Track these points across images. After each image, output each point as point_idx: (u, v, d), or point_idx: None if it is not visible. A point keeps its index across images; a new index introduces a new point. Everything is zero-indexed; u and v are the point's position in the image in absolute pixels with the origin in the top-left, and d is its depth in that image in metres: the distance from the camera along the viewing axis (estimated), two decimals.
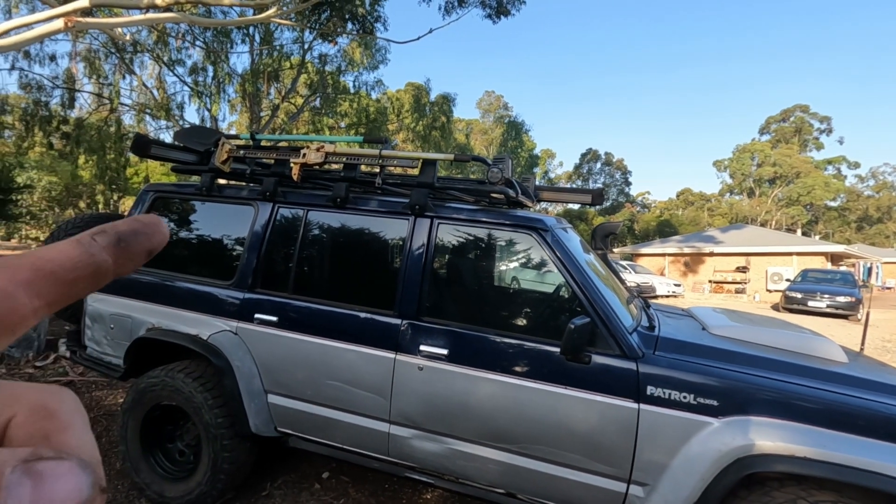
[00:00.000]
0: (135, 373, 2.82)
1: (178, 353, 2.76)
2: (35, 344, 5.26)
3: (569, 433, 2.03)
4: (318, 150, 2.54)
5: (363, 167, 2.62)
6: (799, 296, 13.95)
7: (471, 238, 2.38)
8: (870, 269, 22.42)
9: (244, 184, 2.87)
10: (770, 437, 1.77)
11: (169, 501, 2.60)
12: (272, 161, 2.75)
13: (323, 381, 2.42)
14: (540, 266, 2.25)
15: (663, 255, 24.92)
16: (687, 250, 23.99)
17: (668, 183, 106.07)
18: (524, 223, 2.25)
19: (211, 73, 19.63)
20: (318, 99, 21.27)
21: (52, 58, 17.45)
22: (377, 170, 2.49)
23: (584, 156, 54.23)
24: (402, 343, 2.30)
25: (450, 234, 2.38)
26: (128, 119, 19.98)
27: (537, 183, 3.51)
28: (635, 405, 1.95)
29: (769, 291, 20.18)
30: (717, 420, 1.86)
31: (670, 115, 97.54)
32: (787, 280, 16.90)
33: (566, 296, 2.19)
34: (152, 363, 2.76)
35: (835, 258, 22.02)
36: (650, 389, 1.94)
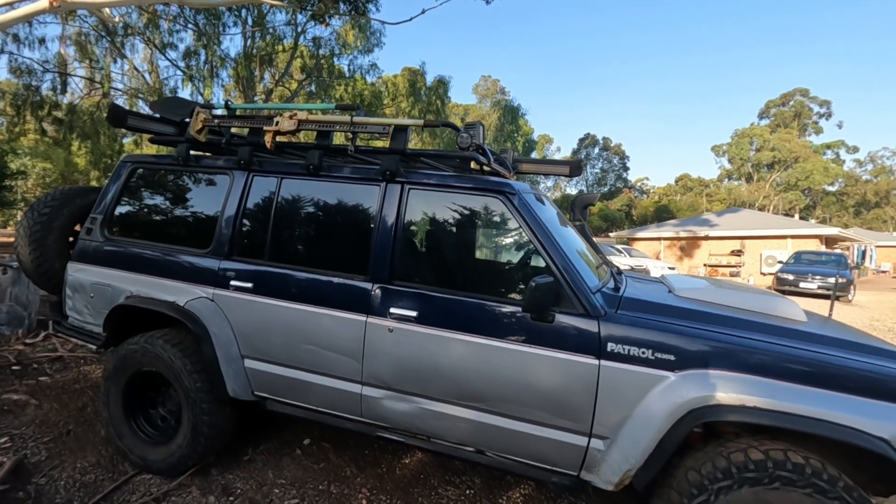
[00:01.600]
0: (117, 342, 2.87)
1: (159, 322, 2.80)
2: (26, 322, 5.31)
3: (534, 390, 2.08)
4: (290, 117, 2.56)
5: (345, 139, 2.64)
6: (791, 277, 14.04)
7: (441, 203, 2.41)
8: (864, 252, 22.52)
9: (220, 154, 2.89)
10: (723, 389, 1.83)
11: (151, 465, 2.67)
12: (247, 130, 2.77)
13: (297, 345, 2.47)
14: (508, 229, 2.28)
15: (659, 238, 24.97)
16: (683, 234, 24.04)
17: (667, 168, 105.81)
18: (492, 187, 2.28)
19: (203, 58, 19.47)
20: (313, 83, 21.10)
21: (42, 41, 17.24)
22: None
23: (581, 141, 54.01)
24: (373, 306, 2.34)
25: (420, 200, 2.41)
26: (121, 103, 19.79)
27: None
28: (596, 361, 2.00)
29: (763, 274, 20.28)
30: (673, 374, 1.91)
31: (669, 100, 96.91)
32: (780, 262, 16.98)
33: (533, 257, 2.23)
34: (135, 332, 2.80)
35: (829, 241, 22.08)
36: (611, 346, 1.99)
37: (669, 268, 18.62)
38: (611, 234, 28.72)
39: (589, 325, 2.04)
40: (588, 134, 54.04)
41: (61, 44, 18.17)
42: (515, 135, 37.88)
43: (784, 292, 14.12)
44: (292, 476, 2.81)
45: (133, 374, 2.71)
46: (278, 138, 2.66)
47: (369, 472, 2.93)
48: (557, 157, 55.74)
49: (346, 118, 2.47)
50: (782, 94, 53.99)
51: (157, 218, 2.94)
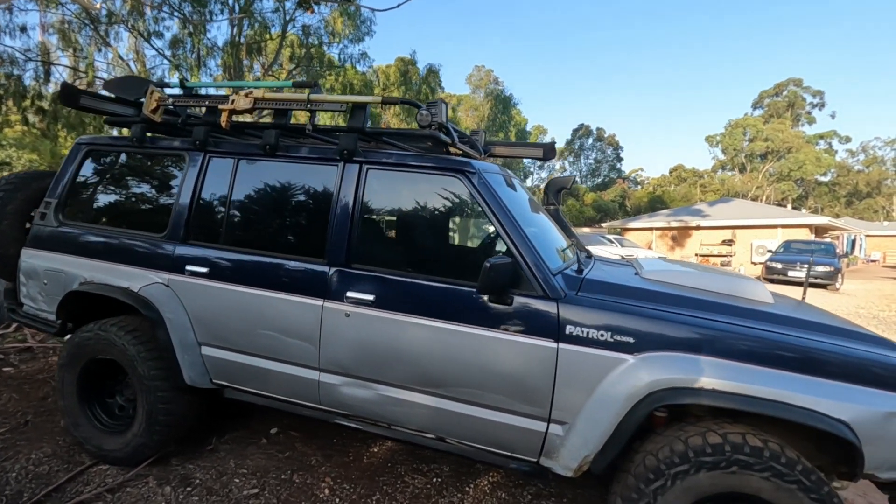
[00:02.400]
0: (74, 330, 2.78)
1: (117, 309, 2.71)
2: None
3: (492, 375, 2.02)
4: (246, 95, 2.46)
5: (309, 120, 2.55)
6: (779, 266, 14.06)
7: (400, 183, 2.33)
8: (853, 242, 22.61)
9: (178, 135, 2.79)
10: (680, 371, 1.77)
11: (107, 455, 2.60)
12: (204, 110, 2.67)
13: (254, 331, 2.40)
14: (468, 209, 2.21)
15: (651, 229, 24.98)
16: (674, 224, 24.05)
17: (662, 160, 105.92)
18: (452, 166, 2.20)
19: (189, 46, 19.12)
20: (304, 73, 20.81)
21: (23, 29, 16.81)
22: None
23: (575, 131, 53.82)
24: (330, 290, 2.27)
25: (379, 180, 2.32)
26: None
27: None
28: (555, 345, 1.94)
29: (754, 264, 20.33)
30: (632, 357, 1.85)
31: (664, 91, 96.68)
32: (770, 252, 17.03)
33: (493, 239, 2.15)
34: (94, 319, 2.71)
35: (819, 230, 22.15)
36: (569, 329, 1.93)
37: (660, 257, 18.63)
38: (603, 225, 28.70)
39: (548, 308, 1.97)
40: (582, 124, 53.88)
41: (44, 32, 17.79)
42: (508, 125, 37.66)
43: (773, 281, 14.16)
44: (255, 465, 2.75)
45: (88, 361, 2.62)
46: (236, 118, 2.56)
47: (336, 460, 2.87)
48: None
49: (303, 96, 2.37)
50: (776, 84, 53.95)
51: (113, 202, 2.84)
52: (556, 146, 3.39)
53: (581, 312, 1.94)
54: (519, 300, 2.01)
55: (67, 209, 2.85)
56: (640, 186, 55.23)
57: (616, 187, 49.41)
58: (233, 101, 2.47)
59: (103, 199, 2.85)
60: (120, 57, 18.96)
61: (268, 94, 2.45)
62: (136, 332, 2.54)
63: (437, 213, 2.32)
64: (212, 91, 2.88)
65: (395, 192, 2.35)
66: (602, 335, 1.89)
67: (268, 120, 2.59)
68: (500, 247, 2.16)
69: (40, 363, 4.10)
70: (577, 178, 53.87)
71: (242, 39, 19.42)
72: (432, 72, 23.11)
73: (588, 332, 1.91)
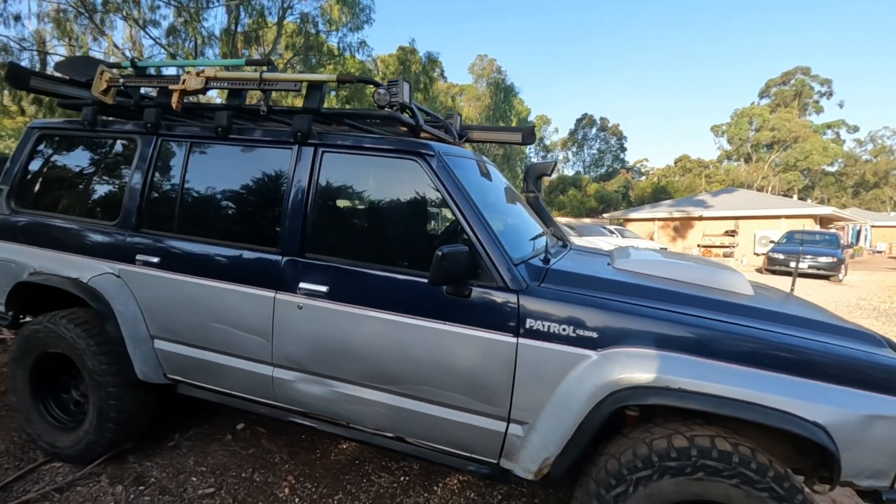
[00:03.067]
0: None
1: (73, 300, 2.60)
2: None
3: (450, 371, 1.89)
4: (198, 74, 2.32)
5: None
6: (781, 257, 13.83)
7: (356, 167, 2.19)
8: (858, 232, 22.28)
9: (131, 117, 2.65)
10: (647, 369, 1.63)
11: (60, 452, 2.50)
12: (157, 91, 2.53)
13: (207, 324, 2.28)
14: (428, 195, 2.06)
15: (653, 219, 24.71)
16: (677, 214, 23.77)
17: (667, 150, 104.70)
18: (409, 149, 2.06)
19: (185, 35, 18.88)
20: (302, 62, 20.55)
21: (17, 18, 16.70)
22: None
23: (579, 121, 53.30)
24: (282, 281, 2.14)
25: (335, 164, 2.18)
26: None
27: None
28: (514, 339, 1.80)
29: (757, 255, 20.08)
30: (595, 353, 1.72)
31: (669, 80, 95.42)
32: (773, 242, 16.78)
33: (456, 227, 2.01)
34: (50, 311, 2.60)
35: (823, 221, 21.84)
36: (529, 322, 1.79)
37: (661, 248, 18.44)
38: (605, 215, 28.43)
39: (507, 300, 1.83)
40: (586, 114, 53.33)
41: (39, 21, 17.62)
42: (509, 115, 37.27)
43: (775, 272, 13.96)
44: (215, 463, 2.64)
45: (39, 355, 2.52)
46: (189, 98, 2.42)
47: (301, 458, 2.76)
48: (555, 138, 55.10)
49: (255, 75, 2.23)
50: (783, 73, 53.09)
51: (66, 189, 2.71)
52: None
53: (542, 305, 1.80)
54: (478, 292, 1.87)
55: (19, 196, 2.73)
56: (644, 177, 54.73)
57: (619, 178, 48.98)
58: (184, 80, 2.33)
59: (56, 186, 2.72)
60: (116, 46, 18.78)
61: (220, 73, 2.31)
62: (86, 324, 2.42)
63: (395, 198, 2.18)
64: (172, 71, 2.73)
65: (351, 176, 2.21)
66: (564, 329, 1.76)
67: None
68: (452, 222, 2.02)
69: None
70: (581, 169, 53.44)
71: (240, 28, 19.20)
72: (432, 60, 22.81)
73: (549, 327, 1.77)
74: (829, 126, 52.81)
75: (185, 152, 2.41)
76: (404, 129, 2.38)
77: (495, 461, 1.93)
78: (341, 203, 2.25)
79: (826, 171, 52.74)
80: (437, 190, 2.00)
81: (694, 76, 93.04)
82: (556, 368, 1.76)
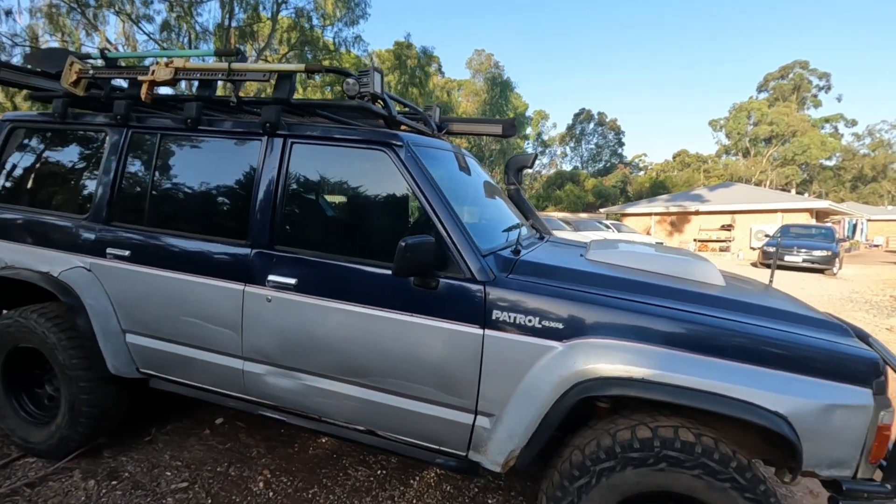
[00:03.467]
0: None
1: (46, 295, 2.57)
2: None
3: (417, 364, 1.88)
4: (167, 65, 2.29)
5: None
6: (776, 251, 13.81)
7: (326, 158, 2.16)
8: (854, 226, 22.27)
9: (102, 109, 2.62)
10: (610, 360, 1.62)
11: (34, 447, 2.49)
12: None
13: (178, 318, 2.26)
14: (395, 186, 2.04)
15: (650, 214, 24.71)
16: (673, 209, 23.77)
17: (666, 145, 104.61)
18: (377, 139, 2.03)
19: (178, 31, 18.77)
20: (297, 57, 20.44)
21: (9, 13, 16.63)
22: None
23: (577, 116, 53.10)
24: (251, 274, 2.12)
25: (304, 155, 2.16)
26: None
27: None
28: (480, 331, 1.79)
29: (753, 249, 20.09)
30: (561, 344, 1.70)
31: (668, 75, 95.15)
32: (768, 236, 16.76)
33: (422, 217, 1.99)
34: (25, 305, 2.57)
35: (820, 215, 21.84)
36: (496, 314, 1.78)
37: (658, 242, 18.43)
38: (602, 210, 28.40)
39: (474, 291, 1.81)
40: (583, 109, 53.12)
41: (31, 17, 17.51)
42: (506, 109, 37.14)
43: (769, 266, 13.95)
44: (191, 457, 2.63)
45: (12, 350, 2.50)
46: (158, 90, 2.39)
47: (279, 452, 2.75)
48: (553, 133, 54.93)
49: (224, 65, 2.20)
50: (781, 67, 52.91)
51: (38, 182, 2.68)
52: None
53: (509, 296, 1.78)
54: (445, 283, 1.85)
55: None
56: (643, 172, 54.63)
57: (617, 173, 48.90)
58: (153, 71, 2.30)
59: (27, 180, 2.69)
60: (108, 41, 18.68)
61: (189, 63, 2.28)
62: (57, 319, 2.40)
63: (364, 189, 2.16)
64: (148, 62, 2.68)
65: (321, 167, 2.18)
66: (530, 320, 1.74)
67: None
68: (420, 214, 2.00)
69: None
70: (579, 164, 53.32)
71: (234, 23, 19.09)
72: (427, 55, 22.71)
73: (515, 318, 1.76)
74: (827, 120, 52.72)
75: (155, 144, 2.39)
76: (381, 121, 2.36)
77: (464, 454, 1.91)
78: (311, 195, 2.23)
79: (824, 166, 52.69)
80: (406, 180, 1.97)
81: (692, 71, 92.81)
82: (521, 360, 1.74)
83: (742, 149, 52.26)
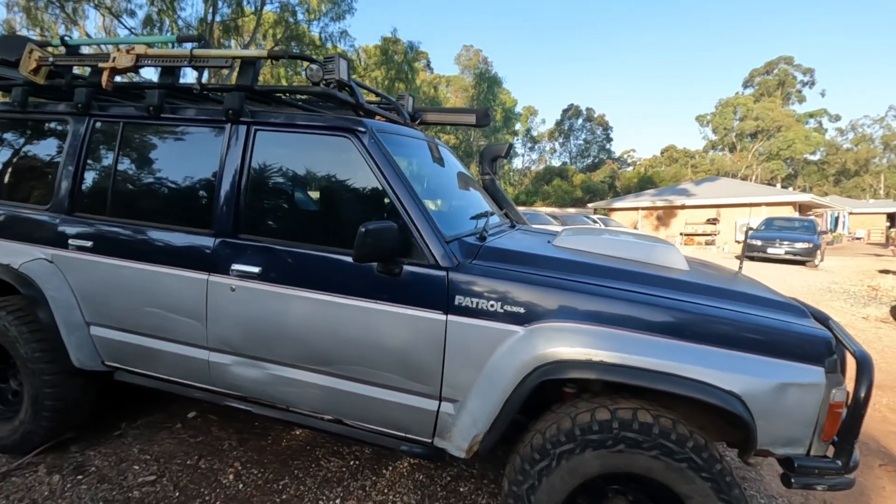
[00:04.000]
0: None
1: (9, 288, 2.52)
2: None
3: (381, 351, 1.87)
4: (128, 52, 2.24)
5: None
6: (759, 243, 14.00)
7: (290, 146, 2.14)
8: (836, 219, 22.62)
9: (64, 98, 2.56)
10: (570, 343, 1.62)
11: None
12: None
13: (142, 309, 2.22)
14: (359, 173, 2.02)
15: (637, 208, 24.89)
16: (660, 203, 23.97)
17: (654, 141, 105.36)
18: (341, 125, 2.01)
19: (160, 25, 18.48)
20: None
21: None
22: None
23: (565, 112, 53.30)
24: (215, 263, 2.09)
25: (268, 143, 2.13)
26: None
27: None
28: (444, 317, 1.78)
29: (738, 242, 20.33)
30: (522, 328, 1.70)
31: (655, 71, 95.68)
32: (751, 229, 16.97)
33: (386, 204, 1.98)
34: None
35: (803, 208, 22.16)
36: (458, 299, 1.77)
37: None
38: (590, 205, 28.56)
39: (437, 277, 1.81)
40: (572, 105, 53.32)
41: (9, 11, 17.16)
42: (493, 105, 37.11)
43: (753, 258, 14.13)
44: (161, 451, 2.60)
45: None
46: (119, 77, 2.35)
47: (252, 444, 2.73)
48: (542, 129, 55.06)
49: (186, 52, 2.16)
50: (766, 63, 53.51)
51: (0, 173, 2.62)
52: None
53: (472, 281, 1.78)
54: (408, 270, 1.84)
55: None
56: (631, 167, 54.96)
57: (606, 168, 49.17)
58: (114, 58, 2.26)
59: None
60: (88, 35, 18.32)
61: (150, 50, 2.24)
62: (19, 312, 2.35)
63: (328, 176, 2.14)
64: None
65: (285, 155, 2.16)
66: (492, 305, 1.74)
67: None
68: (384, 201, 1.98)
69: None
70: (567, 160, 53.51)
71: (218, 18, 18.84)
72: (414, 49, 22.59)
73: (478, 303, 1.75)
74: (811, 115, 53.40)
75: (118, 133, 2.34)
76: (350, 109, 2.33)
77: (429, 440, 1.91)
78: (275, 182, 2.20)
79: (808, 160, 53.44)
80: (369, 167, 1.96)
81: (679, 67, 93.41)
82: (484, 344, 1.74)
83: (728, 144, 52.81)
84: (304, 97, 2.48)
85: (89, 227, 2.31)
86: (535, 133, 54.34)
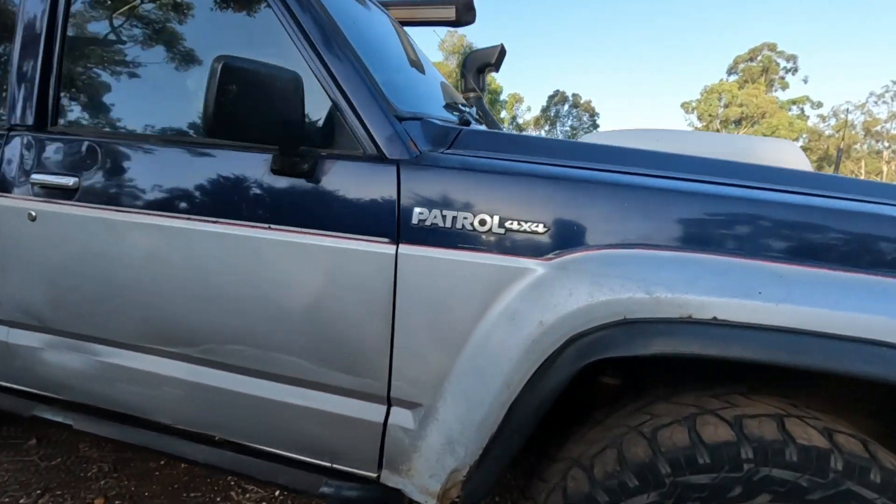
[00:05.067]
0: None
1: None
2: None
3: (278, 316, 1.03)
4: None
5: None
6: None
7: None
8: None
9: None
10: (646, 283, 0.79)
11: None
12: None
13: None
14: (246, 23, 1.16)
15: None
16: None
17: (639, 127, 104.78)
18: None
19: None
20: None
21: None
22: None
23: (551, 98, 52.57)
24: (5, 174, 1.22)
25: None
26: None
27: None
28: (391, 248, 0.94)
29: None
30: (541, 262, 0.86)
31: (641, 56, 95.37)
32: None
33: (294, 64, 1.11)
34: None
35: None
36: (420, 213, 0.93)
37: None
38: None
39: (380, 174, 0.96)
40: (557, 91, 52.58)
41: None
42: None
43: None
44: None
45: None
46: None
47: (132, 469, 1.87)
48: (528, 116, 54.26)
49: None
50: (750, 49, 53.34)
51: None
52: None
53: (442, 180, 0.94)
54: (327, 165, 0.99)
55: None
56: None
57: None
58: None
59: None
60: None
61: None
62: None
63: (193, 31, 1.27)
64: None
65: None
66: (483, 222, 0.90)
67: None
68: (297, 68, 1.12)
69: None
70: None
71: None
72: None
73: (454, 220, 0.91)
74: (794, 102, 53.42)
75: None
76: None
77: (374, 475, 1.07)
78: (108, 38, 1.32)
79: None
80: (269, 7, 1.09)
81: (664, 53, 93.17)
82: (468, 297, 0.90)
83: (714, 130, 52.66)
84: None
85: None
86: (520, 121, 53.44)
